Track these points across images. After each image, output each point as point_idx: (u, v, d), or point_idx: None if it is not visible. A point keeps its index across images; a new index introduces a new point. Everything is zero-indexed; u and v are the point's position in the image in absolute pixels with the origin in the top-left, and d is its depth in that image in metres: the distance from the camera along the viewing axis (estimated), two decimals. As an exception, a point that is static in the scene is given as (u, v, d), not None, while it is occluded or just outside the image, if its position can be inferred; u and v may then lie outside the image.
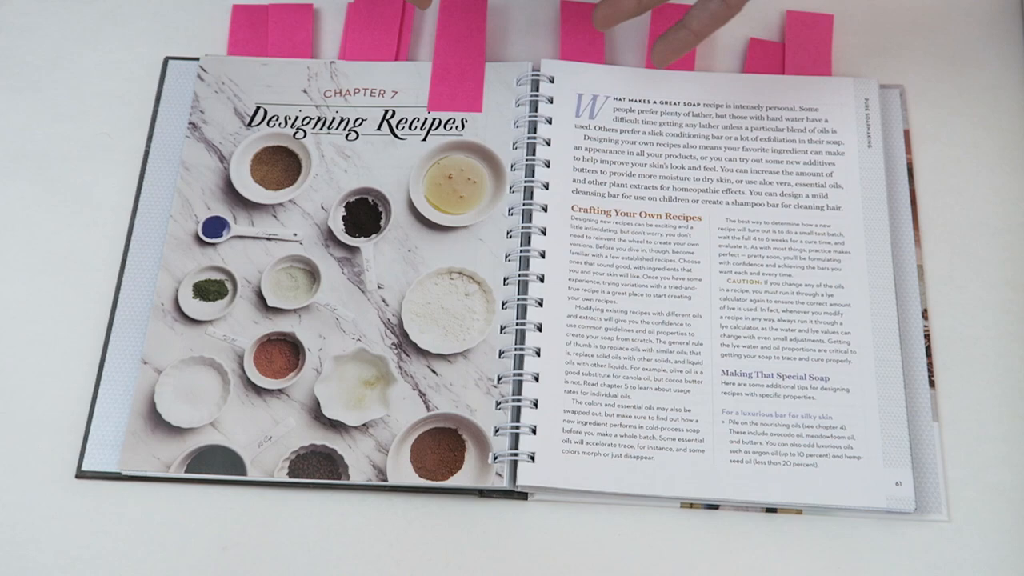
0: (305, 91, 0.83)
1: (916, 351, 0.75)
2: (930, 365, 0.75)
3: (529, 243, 0.77)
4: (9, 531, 0.71)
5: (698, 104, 0.82)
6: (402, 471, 0.72)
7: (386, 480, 0.72)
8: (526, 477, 0.71)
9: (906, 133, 0.81)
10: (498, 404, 0.73)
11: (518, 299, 0.76)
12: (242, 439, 0.73)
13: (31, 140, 0.83)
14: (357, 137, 0.81)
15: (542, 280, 0.76)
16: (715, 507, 0.71)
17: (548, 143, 0.80)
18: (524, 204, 0.78)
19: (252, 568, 0.70)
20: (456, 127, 0.81)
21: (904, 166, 0.80)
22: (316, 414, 0.74)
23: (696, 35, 0.74)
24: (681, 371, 0.74)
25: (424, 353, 0.75)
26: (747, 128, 0.81)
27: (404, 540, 0.71)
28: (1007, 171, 0.81)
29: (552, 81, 0.82)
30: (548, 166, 0.79)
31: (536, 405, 0.73)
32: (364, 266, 0.77)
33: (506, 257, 0.77)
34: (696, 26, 0.74)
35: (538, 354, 0.74)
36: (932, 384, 0.74)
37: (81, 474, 0.72)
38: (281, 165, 0.81)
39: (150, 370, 0.74)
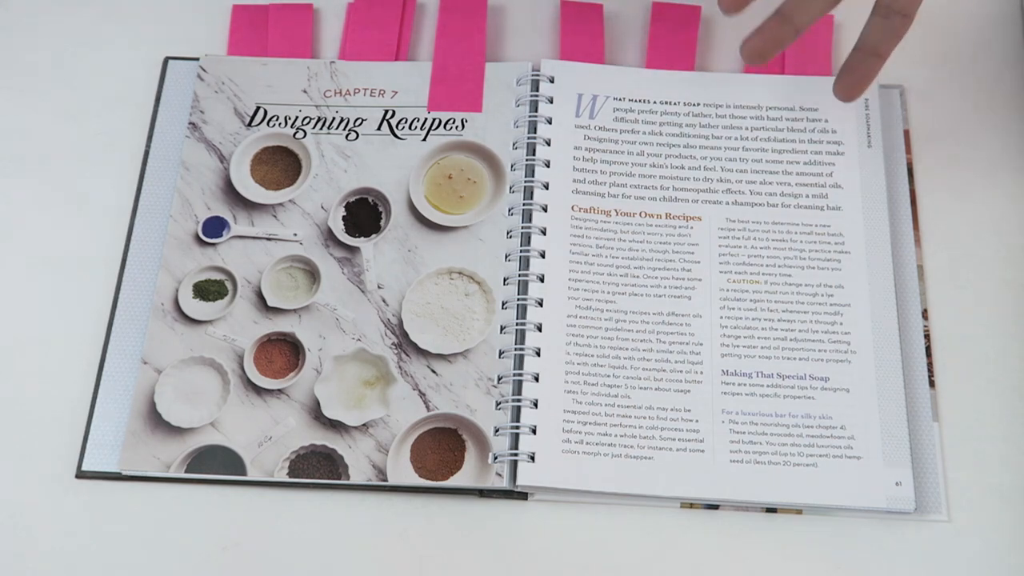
0: (305, 91, 0.83)
1: (916, 351, 0.75)
2: (930, 365, 0.75)
3: (529, 243, 0.77)
4: (9, 531, 0.71)
5: (698, 104, 0.82)
6: (402, 471, 0.72)
7: (386, 480, 0.72)
8: (526, 477, 0.71)
9: (906, 133, 0.81)
10: (498, 404, 0.73)
11: (518, 299, 0.76)
12: (242, 439, 0.73)
13: (31, 140, 0.83)
14: (357, 137, 0.81)
15: (542, 280, 0.76)
16: (715, 507, 0.71)
17: (548, 143, 0.80)
18: (524, 204, 0.78)
19: (252, 568, 0.70)
20: (456, 127, 0.81)
21: (904, 166, 0.80)
22: (316, 414, 0.74)
23: (883, 58, 0.73)
24: (681, 371, 0.74)
25: (424, 353, 0.75)
26: (747, 128, 0.81)
27: (404, 540, 0.71)
28: (1007, 171, 0.81)
29: (552, 81, 0.82)
30: (548, 166, 0.79)
31: (536, 405, 0.73)
32: (364, 266, 0.77)
33: (506, 257, 0.77)
34: (883, 49, 0.72)
35: (538, 354, 0.74)
36: (932, 384, 0.74)
37: (81, 474, 0.72)
38: (281, 165, 0.81)
39: (150, 370, 0.74)
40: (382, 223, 0.79)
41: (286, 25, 0.85)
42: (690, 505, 0.71)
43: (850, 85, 0.74)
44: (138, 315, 0.76)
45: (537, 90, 0.82)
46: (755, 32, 0.72)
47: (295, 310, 0.76)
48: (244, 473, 0.72)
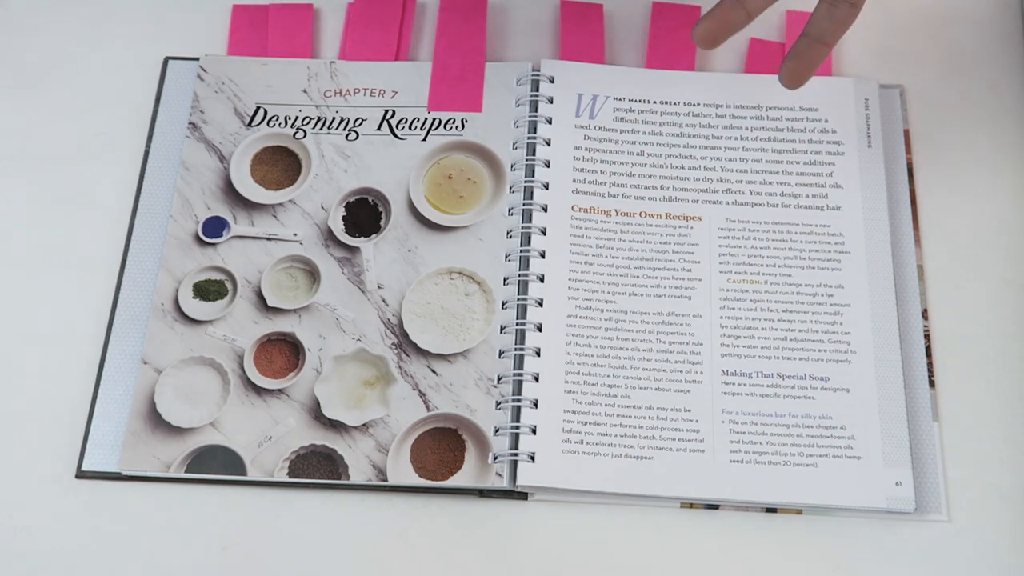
0: (305, 91, 0.83)
1: (916, 351, 0.75)
2: (930, 365, 0.75)
3: (529, 243, 0.77)
4: (9, 531, 0.71)
5: (698, 104, 0.82)
6: (402, 471, 0.72)
7: (386, 480, 0.72)
8: (526, 477, 0.71)
9: (906, 133, 0.81)
10: (498, 404, 0.73)
11: (518, 299, 0.76)
12: (242, 439, 0.73)
13: (31, 140, 0.83)
14: (357, 137, 0.81)
15: (542, 280, 0.76)
16: (715, 507, 0.71)
17: (548, 143, 0.80)
18: (524, 204, 0.78)
19: (252, 568, 0.70)
20: (456, 127, 0.81)
21: (904, 166, 0.80)
22: (316, 414, 0.74)
23: (829, 46, 0.71)
24: (681, 371, 0.74)
25: (424, 353, 0.75)
26: (747, 128, 0.81)
27: (404, 540, 0.71)
28: (1007, 171, 0.81)
29: (552, 81, 0.82)
30: (548, 166, 0.79)
31: (536, 405, 0.73)
32: (364, 266, 0.77)
33: (506, 257, 0.77)
34: (829, 37, 0.71)
35: (538, 354, 0.74)
36: (932, 384, 0.74)
37: (81, 474, 0.72)
38: (281, 165, 0.81)
39: (150, 370, 0.74)
40: (382, 223, 0.79)
41: (286, 25, 0.85)
42: (690, 505, 0.71)
43: (795, 72, 0.72)
44: (138, 315, 0.76)
45: (537, 90, 0.82)
46: (707, 16, 0.72)
47: (295, 310, 0.76)
48: (244, 473, 0.72)
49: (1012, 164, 0.81)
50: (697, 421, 0.72)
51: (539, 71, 0.83)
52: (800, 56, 0.71)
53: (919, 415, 0.73)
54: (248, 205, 0.79)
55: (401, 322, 0.76)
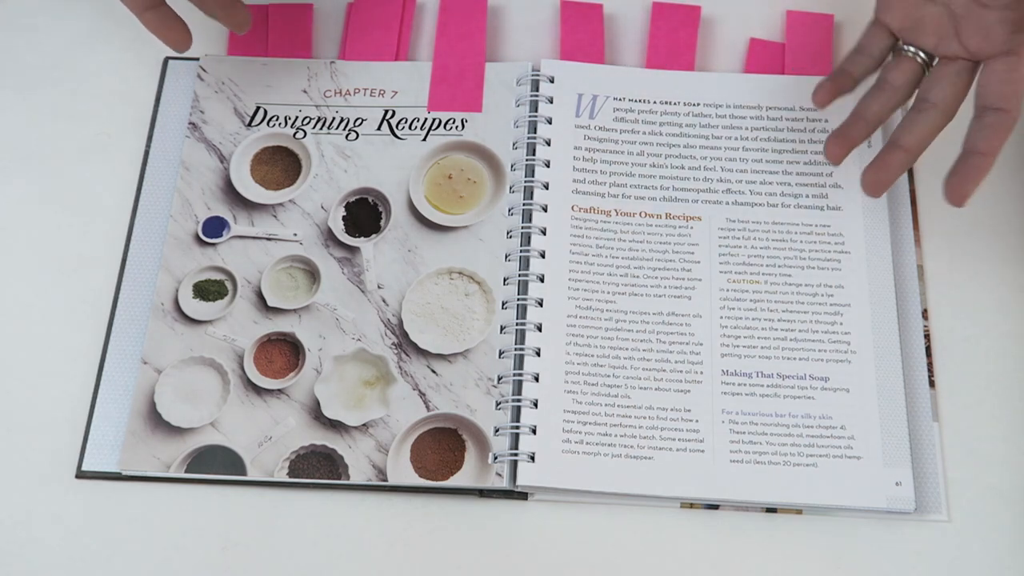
0: (305, 91, 0.83)
1: (916, 351, 0.75)
2: (930, 365, 0.75)
3: (529, 243, 0.77)
4: (9, 531, 0.71)
5: (698, 104, 0.82)
6: (402, 471, 0.72)
7: (386, 480, 0.72)
8: (526, 477, 0.71)
9: (906, 133, 0.81)
10: (498, 404, 0.73)
11: (518, 299, 0.76)
12: (242, 439, 0.73)
13: (31, 140, 0.83)
14: (357, 137, 0.81)
15: (542, 280, 0.76)
16: (715, 507, 0.71)
17: (548, 143, 0.80)
18: (524, 204, 0.78)
19: (252, 568, 0.70)
20: (456, 127, 0.81)
21: (904, 166, 0.80)
22: (316, 414, 0.74)
23: (913, 154, 0.70)
24: (681, 371, 0.74)
25: (424, 353, 0.75)
26: (747, 128, 0.81)
27: (404, 540, 0.71)
28: (1007, 171, 0.81)
29: (552, 81, 0.82)
30: (548, 166, 0.79)
31: (536, 405, 0.73)
32: (364, 266, 0.77)
33: (506, 257, 0.77)
34: (913, 144, 0.70)
35: (538, 354, 0.74)
36: (932, 384, 0.74)
37: (81, 474, 0.72)
38: (281, 165, 0.81)
39: (150, 370, 0.74)
40: (382, 223, 0.79)
41: (286, 25, 0.85)
42: (690, 505, 0.71)
43: (880, 184, 0.71)
44: (138, 315, 0.76)
45: (537, 90, 0.82)
46: (873, 163, 0.71)
47: (295, 310, 0.76)
48: (244, 473, 0.72)
49: (1012, 164, 0.81)
50: (697, 421, 0.72)
51: (539, 71, 0.82)
52: (881, 167, 0.71)
53: (919, 415, 0.73)
54: (248, 205, 0.79)
55: (401, 322, 0.76)
